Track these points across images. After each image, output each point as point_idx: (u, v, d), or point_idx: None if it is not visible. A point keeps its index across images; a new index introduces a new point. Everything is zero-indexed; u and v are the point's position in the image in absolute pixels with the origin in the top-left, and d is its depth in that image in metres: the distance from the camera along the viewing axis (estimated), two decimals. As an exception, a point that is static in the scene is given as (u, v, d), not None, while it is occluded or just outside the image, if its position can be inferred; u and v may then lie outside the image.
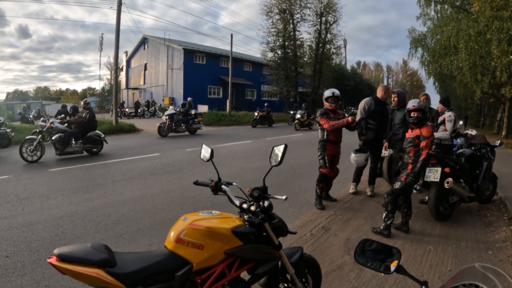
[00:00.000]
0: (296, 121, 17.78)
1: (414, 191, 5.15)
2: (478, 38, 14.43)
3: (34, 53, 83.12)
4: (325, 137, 4.56)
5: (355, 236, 3.62)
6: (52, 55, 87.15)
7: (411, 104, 3.58)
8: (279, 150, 1.74)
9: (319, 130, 4.66)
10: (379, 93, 5.05)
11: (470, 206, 4.84)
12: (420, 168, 3.47)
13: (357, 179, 5.36)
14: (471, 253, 3.33)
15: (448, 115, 4.77)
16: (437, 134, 4.74)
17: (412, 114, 3.54)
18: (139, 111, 24.28)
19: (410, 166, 3.53)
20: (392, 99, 4.86)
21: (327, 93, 4.62)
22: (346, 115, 4.86)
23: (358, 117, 5.00)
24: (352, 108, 24.87)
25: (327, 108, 4.60)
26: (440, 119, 4.87)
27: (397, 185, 3.58)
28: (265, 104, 21.99)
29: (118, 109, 22.68)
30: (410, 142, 3.58)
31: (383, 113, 4.95)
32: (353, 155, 4.92)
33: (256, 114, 18.68)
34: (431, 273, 2.88)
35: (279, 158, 1.73)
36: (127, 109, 25.24)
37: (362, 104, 5.05)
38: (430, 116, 5.04)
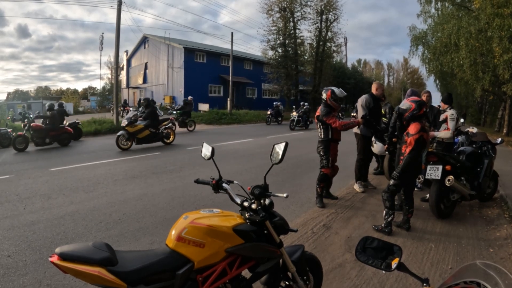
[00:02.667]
0: (120, 134, 9.21)
1: (415, 189, 5.15)
2: (479, 36, 14.38)
3: (34, 53, 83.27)
4: (329, 136, 4.46)
5: (356, 234, 3.62)
6: (52, 55, 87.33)
7: (401, 105, 3.65)
8: (280, 148, 1.74)
9: (320, 130, 4.54)
10: (376, 90, 5.19)
11: (471, 204, 4.83)
12: (404, 165, 3.45)
13: (360, 176, 5.39)
14: (472, 250, 3.33)
15: (450, 113, 4.74)
16: (439, 134, 4.72)
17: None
18: (139, 110, 24.26)
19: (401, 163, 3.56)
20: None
21: (340, 94, 4.44)
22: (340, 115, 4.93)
23: (360, 114, 5.10)
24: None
25: (329, 106, 4.45)
26: (442, 117, 4.85)
27: (392, 181, 3.59)
28: (275, 103, 20.16)
29: (121, 108, 22.74)
30: (403, 139, 3.63)
31: (379, 109, 5.19)
32: (378, 143, 4.98)
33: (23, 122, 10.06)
34: (432, 270, 2.88)
35: (279, 156, 1.73)
36: (131, 108, 25.16)
37: (362, 100, 5.13)
38: (432, 114, 5.04)
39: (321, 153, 4.51)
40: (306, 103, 18.41)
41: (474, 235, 3.74)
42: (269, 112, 19.14)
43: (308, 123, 17.20)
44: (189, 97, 24.95)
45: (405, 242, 3.43)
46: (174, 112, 14.10)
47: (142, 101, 10.97)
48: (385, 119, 5.73)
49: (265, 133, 14.33)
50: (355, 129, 5.22)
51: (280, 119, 19.28)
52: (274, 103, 20.37)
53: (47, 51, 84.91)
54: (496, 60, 13.72)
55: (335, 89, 4.47)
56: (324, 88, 4.61)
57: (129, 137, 9.27)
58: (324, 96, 4.46)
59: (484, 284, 0.90)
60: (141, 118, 9.67)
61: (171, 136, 10.37)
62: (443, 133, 4.71)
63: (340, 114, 20.09)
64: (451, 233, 3.76)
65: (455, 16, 16.26)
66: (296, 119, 16.38)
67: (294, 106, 19.57)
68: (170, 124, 10.44)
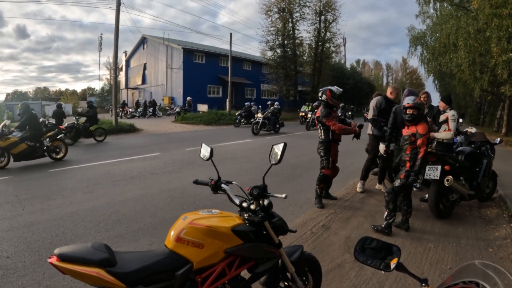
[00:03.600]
0: None
1: (414, 189, 5.16)
2: (477, 36, 14.43)
3: (32, 54, 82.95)
4: (330, 136, 4.46)
5: (355, 235, 3.62)
6: (50, 56, 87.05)
7: (407, 101, 3.59)
8: (278, 149, 1.74)
9: (321, 131, 4.55)
10: (390, 93, 5.26)
11: (470, 204, 4.84)
12: (420, 166, 3.47)
13: (365, 176, 5.40)
14: (471, 250, 3.34)
15: (451, 114, 4.74)
16: (440, 135, 4.71)
17: (407, 111, 3.54)
18: (138, 110, 24.33)
19: (408, 164, 3.53)
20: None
21: (337, 91, 4.47)
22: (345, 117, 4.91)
23: (370, 114, 5.20)
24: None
25: (330, 106, 4.48)
26: (442, 117, 4.84)
27: (397, 182, 3.58)
28: (247, 103, 17.46)
29: (120, 109, 22.73)
30: (407, 140, 3.59)
31: (390, 112, 5.13)
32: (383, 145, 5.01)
33: None
34: (431, 271, 2.89)
35: (278, 157, 1.73)
36: (130, 109, 25.11)
37: (374, 102, 5.24)
38: (432, 114, 5.05)
39: (322, 154, 4.52)
40: (276, 103, 15.48)
41: (473, 235, 3.74)
42: (238, 113, 16.44)
43: (278, 126, 14.39)
44: (188, 98, 25.05)
45: (404, 242, 3.44)
46: (74, 118, 11.17)
47: (20, 106, 8.13)
48: None
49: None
50: (368, 130, 5.30)
51: (252, 120, 16.03)
52: (246, 103, 18.07)
53: (46, 52, 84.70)
54: (495, 60, 13.76)
55: (332, 88, 4.52)
56: (320, 90, 4.61)
57: (2, 152, 7.10)
58: (324, 97, 4.46)
59: (483, 284, 0.90)
60: (14, 129, 7.56)
61: (62, 150, 8.06)
62: (443, 134, 4.71)
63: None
64: (450, 233, 3.76)
65: (454, 16, 16.30)
66: (260, 121, 13.46)
67: (260, 107, 16.82)
68: (61, 135, 8.34)
